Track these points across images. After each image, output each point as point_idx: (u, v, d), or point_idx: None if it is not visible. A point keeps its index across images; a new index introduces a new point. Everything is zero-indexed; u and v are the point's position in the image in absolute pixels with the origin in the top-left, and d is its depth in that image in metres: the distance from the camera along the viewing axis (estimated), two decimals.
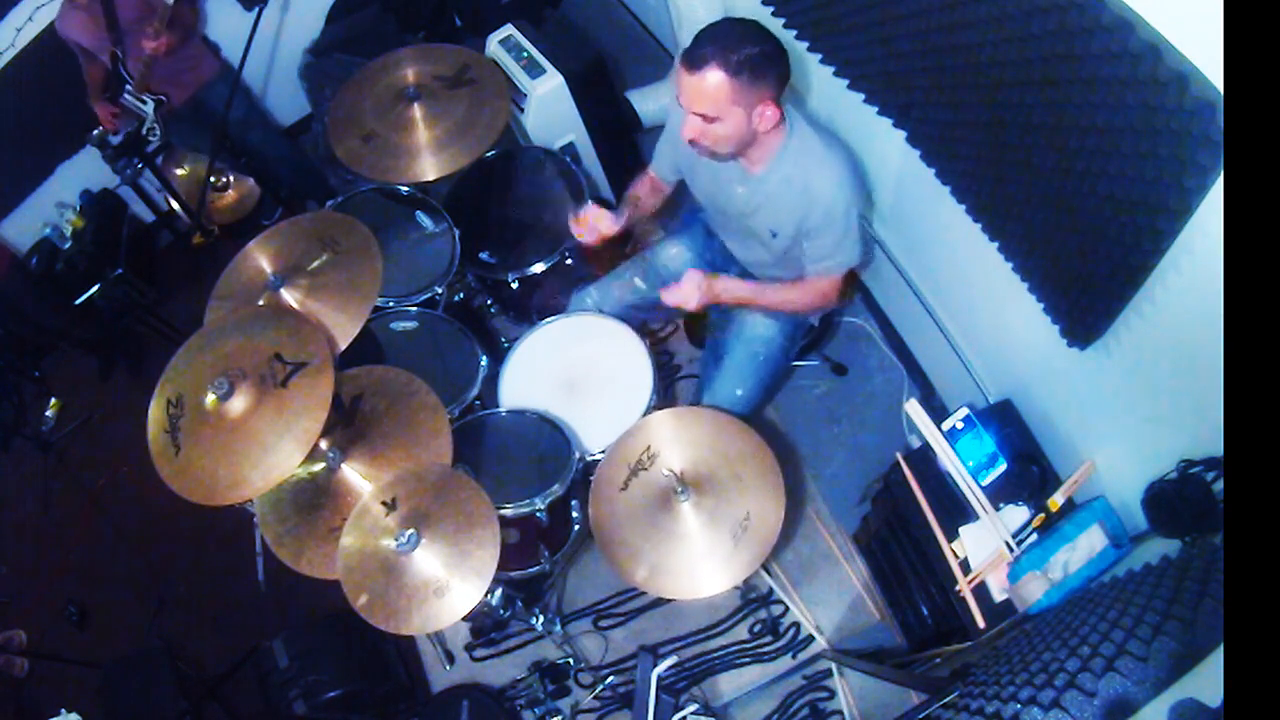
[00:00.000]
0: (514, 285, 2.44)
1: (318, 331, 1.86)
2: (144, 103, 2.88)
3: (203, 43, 3.08)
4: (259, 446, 1.72)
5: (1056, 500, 1.86)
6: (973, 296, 2.15)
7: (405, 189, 2.46)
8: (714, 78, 1.64)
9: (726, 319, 2.27)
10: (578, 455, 2.09)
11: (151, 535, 3.11)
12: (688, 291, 1.99)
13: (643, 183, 2.21)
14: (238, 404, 1.76)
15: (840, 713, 2.32)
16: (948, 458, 1.94)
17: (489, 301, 2.66)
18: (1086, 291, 1.53)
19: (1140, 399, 1.61)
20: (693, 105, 1.72)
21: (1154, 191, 1.21)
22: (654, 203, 2.26)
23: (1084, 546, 1.76)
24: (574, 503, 2.16)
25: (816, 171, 1.81)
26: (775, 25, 2.17)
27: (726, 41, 1.64)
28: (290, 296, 2.00)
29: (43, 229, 3.51)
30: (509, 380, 2.25)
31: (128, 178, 2.97)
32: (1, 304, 3.41)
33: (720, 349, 2.26)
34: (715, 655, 2.45)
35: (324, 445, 1.86)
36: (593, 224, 2.11)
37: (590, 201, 2.22)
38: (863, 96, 1.98)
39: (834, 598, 2.47)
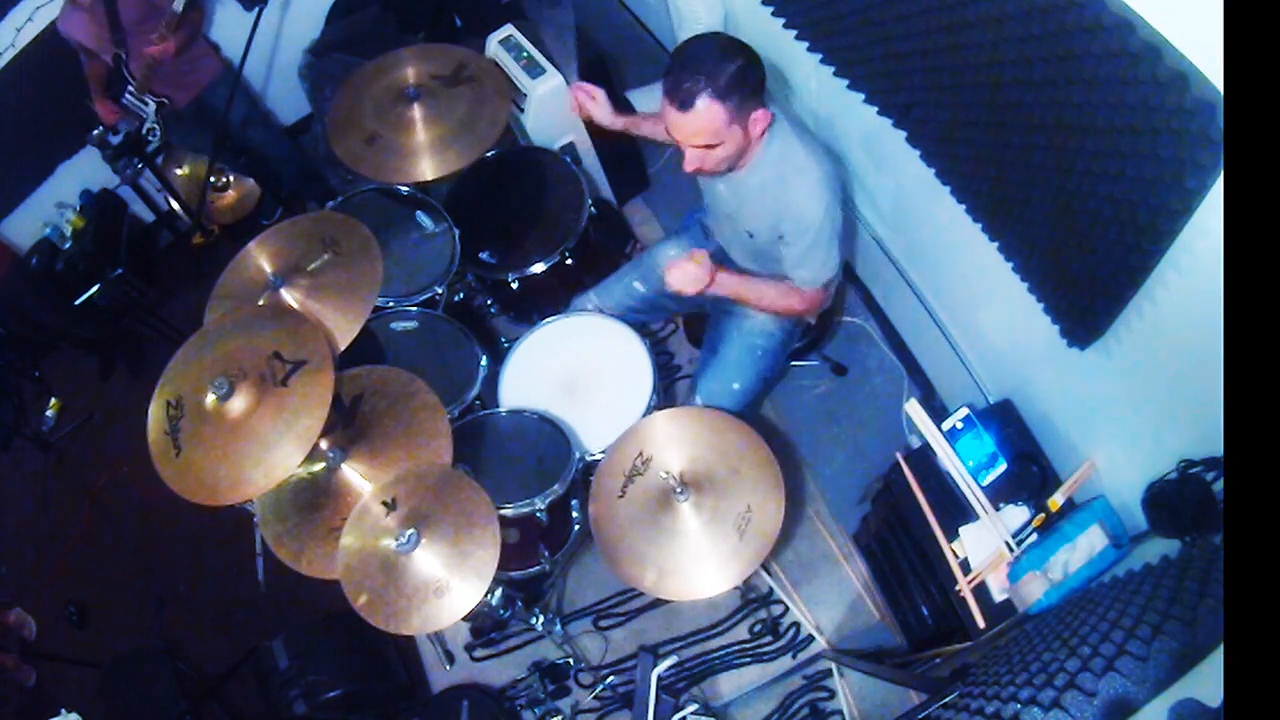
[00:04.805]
0: (514, 285, 2.44)
1: (317, 331, 1.86)
2: (145, 104, 2.88)
3: (205, 44, 3.08)
4: (260, 446, 1.72)
5: (1056, 500, 1.86)
6: (973, 296, 2.15)
7: (405, 189, 2.46)
8: (708, 109, 1.64)
9: (726, 312, 2.26)
10: (578, 455, 2.09)
11: (151, 535, 3.11)
12: (692, 274, 1.92)
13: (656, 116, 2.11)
14: (238, 404, 1.76)
15: (840, 713, 2.32)
16: (948, 458, 1.94)
17: (489, 301, 2.66)
18: (1086, 291, 1.53)
19: (1140, 399, 1.61)
20: (691, 140, 1.70)
21: (1154, 191, 1.21)
22: (653, 130, 2.25)
23: (1084, 546, 1.76)
24: (574, 503, 2.16)
25: (793, 181, 1.81)
26: (775, 25, 2.17)
27: (707, 68, 1.62)
28: (290, 296, 2.00)
29: (43, 229, 3.52)
30: (509, 380, 2.25)
31: (128, 178, 2.97)
32: (1, 304, 3.41)
33: (717, 342, 2.25)
34: (715, 655, 2.45)
35: (324, 445, 1.86)
36: (586, 101, 2.18)
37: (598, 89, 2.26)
38: (863, 96, 1.98)
39: (834, 598, 2.47)
